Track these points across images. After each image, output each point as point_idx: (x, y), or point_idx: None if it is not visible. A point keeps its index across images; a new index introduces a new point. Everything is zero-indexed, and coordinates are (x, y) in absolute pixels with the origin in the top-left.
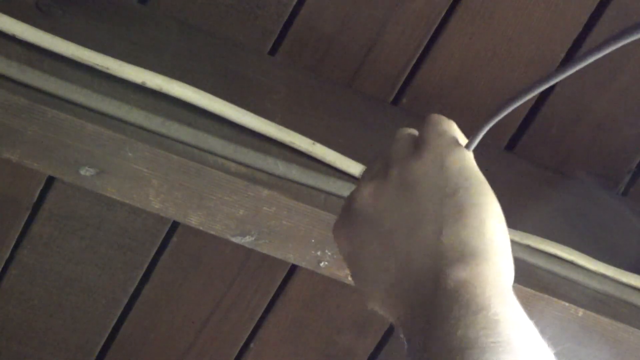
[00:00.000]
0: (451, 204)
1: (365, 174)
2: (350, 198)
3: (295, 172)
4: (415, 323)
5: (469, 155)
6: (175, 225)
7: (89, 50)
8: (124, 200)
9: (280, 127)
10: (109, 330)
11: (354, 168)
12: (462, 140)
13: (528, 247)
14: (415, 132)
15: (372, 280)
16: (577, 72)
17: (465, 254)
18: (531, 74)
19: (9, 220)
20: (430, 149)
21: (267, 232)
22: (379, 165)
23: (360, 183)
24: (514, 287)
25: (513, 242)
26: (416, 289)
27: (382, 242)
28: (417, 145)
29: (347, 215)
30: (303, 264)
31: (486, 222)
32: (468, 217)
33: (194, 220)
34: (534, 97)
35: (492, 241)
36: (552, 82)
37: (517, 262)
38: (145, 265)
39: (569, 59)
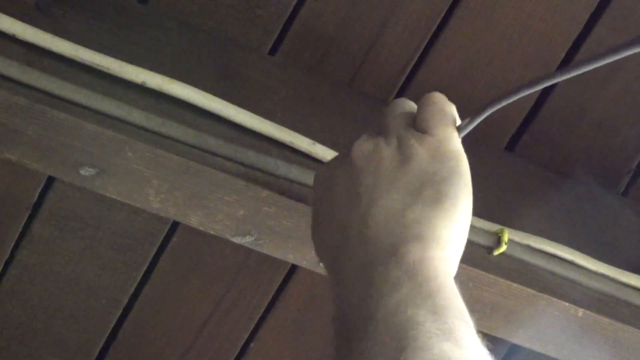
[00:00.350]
0: (434, 189)
1: (365, 134)
2: (349, 150)
3: (295, 172)
4: (358, 288)
5: (460, 144)
6: (175, 225)
7: (89, 50)
8: (124, 200)
9: (280, 127)
10: (109, 330)
11: None
12: (458, 123)
13: (528, 247)
14: (414, 105)
15: (328, 232)
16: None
17: (430, 237)
18: (531, 74)
19: (9, 220)
20: (430, 132)
21: (267, 232)
22: (378, 128)
23: (358, 138)
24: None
25: (513, 242)
26: (368, 253)
27: (352, 199)
28: (418, 126)
29: (335, 161)
30: (303, 264)
31: (459, 216)
32: (445, 205)
33: (194, 220)
34: (534, 97)
35: (458, 234)
36: (552, 82)
37: (517, 262)
38: (145, 265)
39: (569, 59)
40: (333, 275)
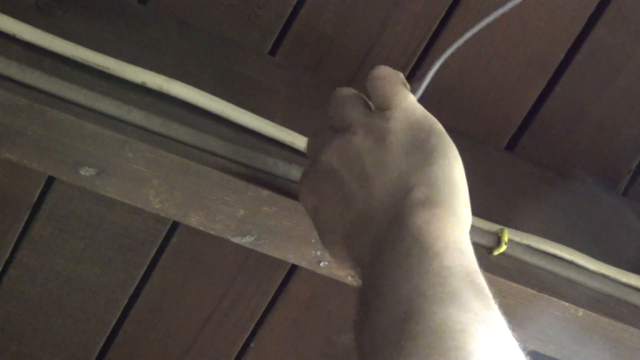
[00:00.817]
0: (420, 153)
1: (319, 137)
2: (317, 157)
3: (295, 172)
4: (372, 266)
5: (422, 107)
6: (175, 225)
7: (89, 50)
8: (124, 200)
9: (280, 127)
10: (109, 330)
11: None
12: (408, 87)
13: (528, 247)
14: (355, 92)
15: (332, 229)
16: (577, 72)
17: (430, 197)
18: (531, 74)
19: (9, 220)
20: (392, 106)
21: (267, 232)
22: (331, 126)
23: (320, 144)
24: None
25: (513, 242)
26: (375, 230)
27: (344, 191)
28: (376, 104)
29: (311, 172)
30: (303, 264)
31: (453, 171)
32: (436, 164)
33: (194, 220)
34: (534, 97)
35: (458, 189)
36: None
37: (517, 262)
38: (145, 265)
39: (569, 59)
40: (353, 266)
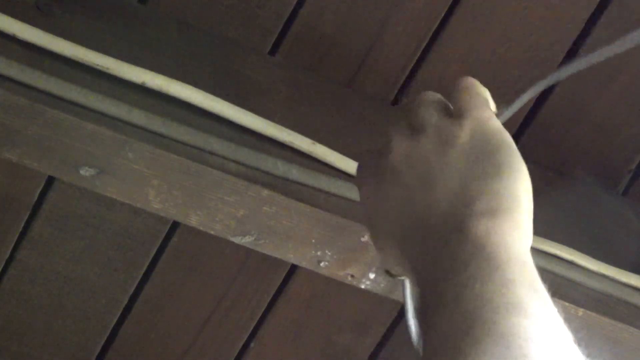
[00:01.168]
0: (488, 162)
1: (392, 129)
2: (384, 150)
3: (295, 172)
4: (430, 272)
5: (499, 122)
6: (175, 225)
7: (89, 50)
8: (124, 200)
9: (280, 127)
10: (109, 330)
11: (354, 168)
12: (493, 107)
13: None
14: (441, 97)
15: (389, 232)
16: (577, 72)
17: (494, 208)
18: (531, 74)
19: (9, 220)
20: (468, 115)
21: (267, 232)
22: (408, 123)
23: (392, 137)
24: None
25: None
26: (434, 237)
27: (405, 194)
28: (454, 112)
29: (377, 166)
30: (303, 264)
31: (519, 184)
32: (504, 175)
33: (194, 220)
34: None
35: (522, 202)
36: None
37: None
38: (145, 265)
39: (569, 59)
40: (405, 269)
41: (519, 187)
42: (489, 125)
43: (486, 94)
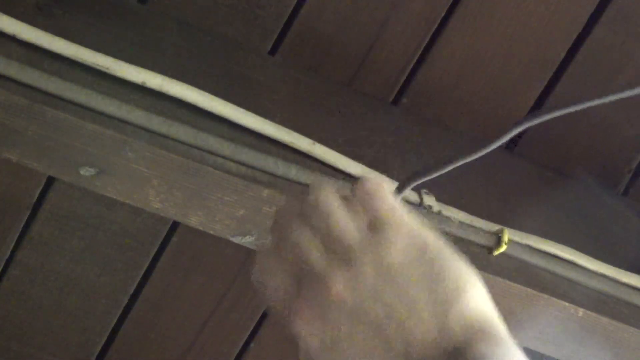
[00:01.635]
0: (444, 286)
1: (306, 255)
2: (318, 293)
3: (295, 172)
4: None
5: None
6: (175, 225)
7: (89, 50)
8: (124, 200)
9: (280, 127)
10: (109, 330)
11: (354, 168)
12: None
13: (528, 247)
14: (337, 197)
15: None
16: (577, 72)
17: (479, 330)
18: (531, 74)
19: (9, 220)
20: (388, 227)
21: (267, 232)
22: (326, 243)
23: (319, 270)
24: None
25: (513, 242)
26: None
27: (370, 332)
28: (375, 226)
29: (317, 308)
30: None
31: (482, 294)
32: (467, 294)
33: (194, 220)
34: (534, 97)
35: (492, 309)
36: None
37: (517, 262)
38: (145, 265)
39: (569, 59)
40: None
41: (483, 296)
42: (414, 232)
43: (389, 187)
